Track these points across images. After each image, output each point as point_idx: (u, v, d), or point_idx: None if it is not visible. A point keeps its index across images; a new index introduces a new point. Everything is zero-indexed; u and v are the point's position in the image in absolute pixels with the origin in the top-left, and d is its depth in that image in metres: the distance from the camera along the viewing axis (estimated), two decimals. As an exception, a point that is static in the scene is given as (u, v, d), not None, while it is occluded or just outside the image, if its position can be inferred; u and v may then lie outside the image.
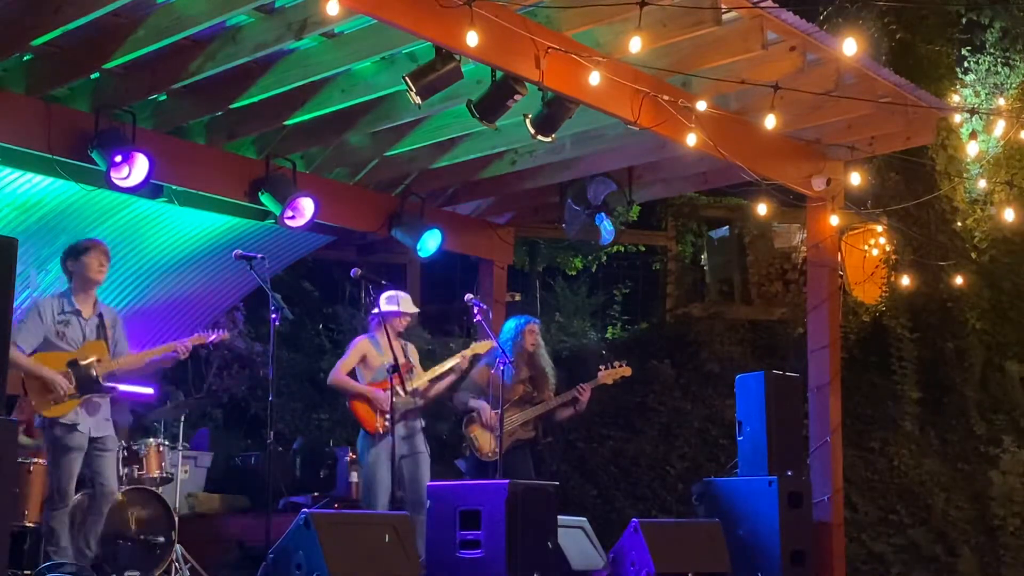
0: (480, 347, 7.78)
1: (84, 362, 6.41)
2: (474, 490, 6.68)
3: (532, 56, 6.25)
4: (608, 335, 13.41)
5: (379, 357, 7.51)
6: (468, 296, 7.70)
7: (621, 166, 8.86)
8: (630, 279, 14.20)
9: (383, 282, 7.55)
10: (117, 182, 7.10)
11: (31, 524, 6.69)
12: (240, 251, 6.76)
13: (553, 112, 6.92)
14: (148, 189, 7.47)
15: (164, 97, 7.48)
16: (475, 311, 7.58)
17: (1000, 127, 8.62)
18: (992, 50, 12.15)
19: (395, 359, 7.08)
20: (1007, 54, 12.09)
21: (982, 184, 11.92)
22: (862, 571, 10.09)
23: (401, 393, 7.29)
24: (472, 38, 5.77)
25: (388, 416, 7.21)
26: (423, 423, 7.69)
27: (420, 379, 7.61)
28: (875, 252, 11.70)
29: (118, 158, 6.99)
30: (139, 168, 7.09)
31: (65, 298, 6.50)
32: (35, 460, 6.88)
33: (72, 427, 6.33)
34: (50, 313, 6.40)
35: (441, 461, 8.28)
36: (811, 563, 7.69)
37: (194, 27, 6.27)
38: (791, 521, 7.55)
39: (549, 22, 6.43)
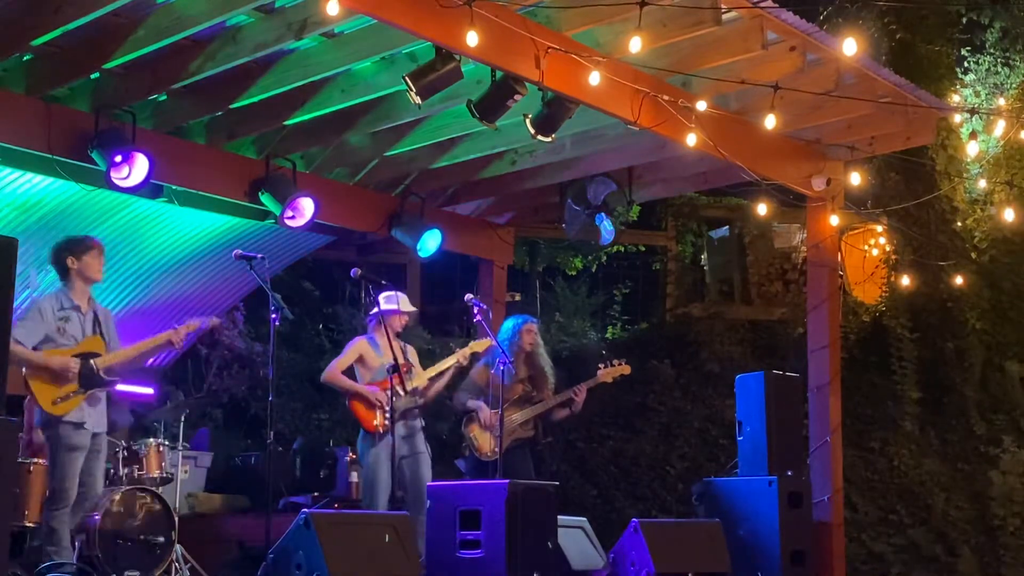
0: (479, 345, 7.78)
1: (87, 358, 6.43)
2: (474, 490, 6.68)
3: (532, 56, 6.25)
4: (608, 335, 13.41)
5: (378, 358, 7.51)
6: (468, 296, 7.70)
7: (621, 166, 8.86)
8: (630, 279, 14.20)
9: (383, 282, 7.55)
10: (117, 182, 7.11)
11: (31, 524, 6.69)
12: (240, 251, 6.75)
13: (553, 112, 6.92)
14: (148, 189, 7.47)
15: (164, 97, 7.48)
16: (475, 311, 7.58)
17: (1000, 127, 8.62)
18: (992, 50, 12.15)
19: (395, 359, 7.08)
20: (1007, 54, 12.09)
21: (982, 184, 11.92)
22: (862, 571, 10.09)
23: (401, 393, 7.29)
24: (472, 38, 5.78)
25: (388, 416, 7.21)
26: (423, 423, 7.69)
27: (419, 378, 7.61)
28: (875, 252, 11.70)
29: (118, 158, 7.00)
30: (139, 168, 7.10)
31: (63, 294, 6.50)
32: (35, 460, 6.87)
33: (79, 425, 6.36)
34: (50, 310, 6.41)
35: (441, 461, 8.28)
36: (811, 563, 7.69)
37: (194, 27, 6.28)
38: (791, 521, 7.55)
39: (549, 22, 6.43)
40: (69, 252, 6.54)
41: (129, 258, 8.89)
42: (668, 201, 13.16)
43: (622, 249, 13.53)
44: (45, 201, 7.84)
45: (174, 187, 7.88)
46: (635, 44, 6.00)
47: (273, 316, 6.53)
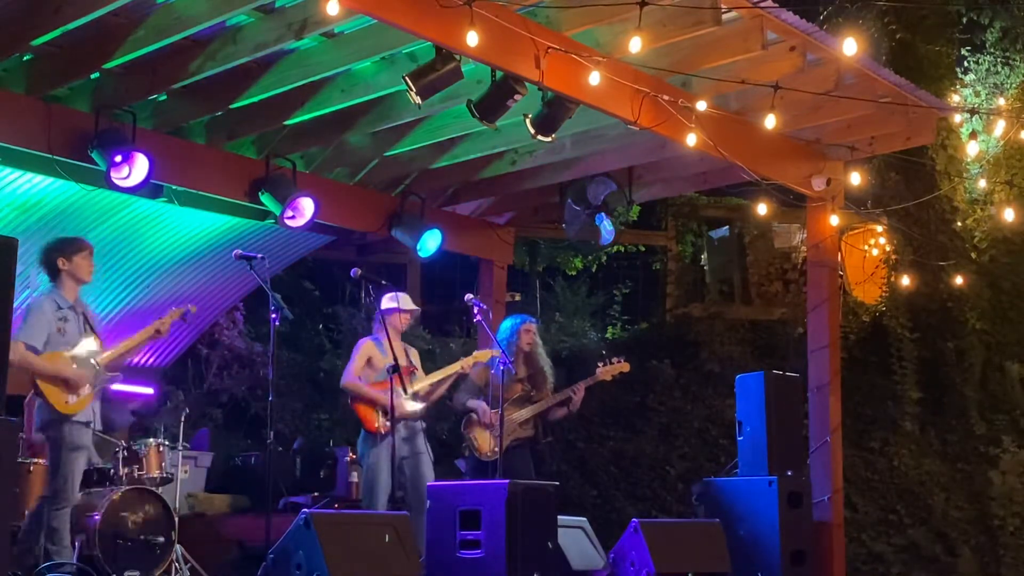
0: (482, 356, 7.76)
1: (87, 356, 6.45)
2: (474, 490, 6.68)
3: (532, 56, 6.25)
4: (608, 335, 13.40)
5: (383, 358, 7.51)
6: (468, 296, 7.70)
7: (621, 166, 8.86)
8: (630, 279, 14.19)
9: (383, 282, 7.55)
10: (117, 182, 7.11)
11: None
12: (240, 251, 6.76)
13: (553, 112, 6.92)
14: (148, 189, 7.47)
15: (164, 97, 7.48)
16: (475, 311, 7.58)
17: (1000, 127, 8.61)
18: (992, 50, 12.15)
19: (395, 359, 7.08)
20: (1007, 54, 12.08)
21: (982, 184, 11.92)
22: (862, 571, 10.09)
23: (402, 393, 7.29)
24: (472, 38, 5.77)
25: (389, 417, 7.22)
26: (424, 424, 7.69)
27: (422, 383, 7.61)
28: (875, 252, 11.70)
29: (118, 158, 7.00)
30: (139, 168, 7.10)
31: (57, 295, 6.51)
32: (35, 460, 6.88)
33: (87, 424, 6.40)
34: (50, 311, 6.42)
35: (441, 461, 8.28)
36: (811, 563, 7.69)
37: (194, 27, 6.28)
38: (791, 521, 7.55)
39: (549, 22, 6.43)
40: (60, 253, 6.54)
41: (129, 258, 8.89)
42: (668, 201, 13.16)
43: (622, 249, 13.54)
44: (45, 201, 7.84)
45: (174, 187, 7.88)
46: (635, 44, 6.00)
47: (273, 316, 6.54)
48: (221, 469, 9.46)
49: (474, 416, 7.87)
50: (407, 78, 6.37)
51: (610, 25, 6.43)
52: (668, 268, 13.69)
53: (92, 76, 7.14)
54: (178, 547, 6.94)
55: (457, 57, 6.25)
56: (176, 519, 6.95)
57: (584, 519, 7.86)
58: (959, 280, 10.68)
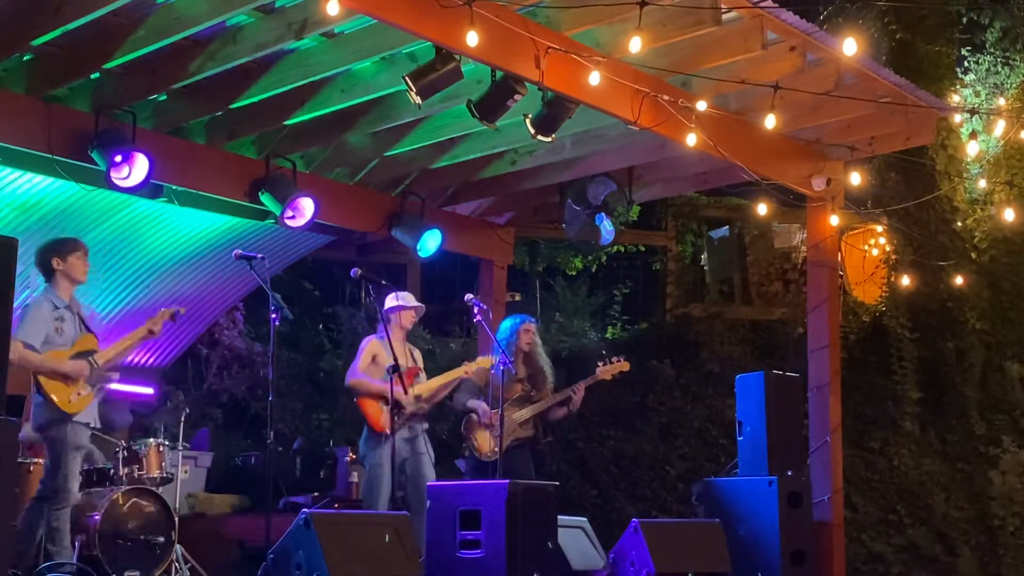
0: (485, 362, 7.73)
1: (85, 355, 6.46)
2: (474, 490, 6.68)
3: (532, 56, 6.25)
4: (608, 335, 13.40)
5: (388, 357, 7.52)
6: (468, 296, 7.70)
7: (621, 166, 8.86)
8: (630, 279, 14.19)
9: (383, 282, 7.55)
10: (117, 182, 7.11)
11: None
12: (240, 251, 6.77)
13: (553, 112, 6.92)
14: (148, 189, 7.47)
15: (164, 97, 7.48)
16: (475, 311, 7.59)
17: (1000, 127, 8.62)
18: (992, 50, 12.15)
19: (395, 359, 7.08)
20: (1007, 54, 12.08)
21: (982, 184, 11.92)
22: (862, 571, 10.09)
23: (402, 393, 7.29)
24: (472, 38, 5.77)
25: (395, 416, 7.23)
26: (426, 425, 7.70)
27: (425, 387, 7.61)
28: (875, 252, 11.70)
29: (118, 158, 7.00)
30: (139, 168, 7.10)
31: (53, 295, 6.52)
32: (35, 460, 6.88)
33: (86, 425, 6.43)
34: (48, 310, 6.43)
35: (441, 461, 8.28)
36: (811, 563, 7.69)
37: (194, 27, 6.27)
38: (791, 521, 7.55)
39: (549, 22, 6.43)
40: (55, 253, 6.56)
41: (129, 258, 8.89)
42: (668, 201, 13.16)
43: (622, 249, 13.53)
44: (45, 201, 7.84)
45: (174, 187, 7.88)
46: (635, 44, 6.00)
47: (273, 316, 6.54)
48: (221, 469, 9.45)
49: (474, 416, 7.87)
50: (407, 78, 6.37)
51: (610, 25, 6.43)
52: (668, 268, 13.69)
53: (92, 76, 7.14)
54: (178, 547, 6.94)
55: (457, 57, 6.25)
56: (176, 519, 6.95)
57: (584, 519, 7.86)
58: (959, 280, 10.69)
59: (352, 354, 7.89)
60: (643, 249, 13.98)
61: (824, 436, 8.15)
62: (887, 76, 7.58)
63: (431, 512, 6.71)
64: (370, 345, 7.63)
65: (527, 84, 6.53)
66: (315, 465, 9.37)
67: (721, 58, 6.91)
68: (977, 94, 12.01)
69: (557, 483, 6.89)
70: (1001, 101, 11.35)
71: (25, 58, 6.97)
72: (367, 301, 11.57)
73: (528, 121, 6.99)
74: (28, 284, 7.70)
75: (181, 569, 6.93)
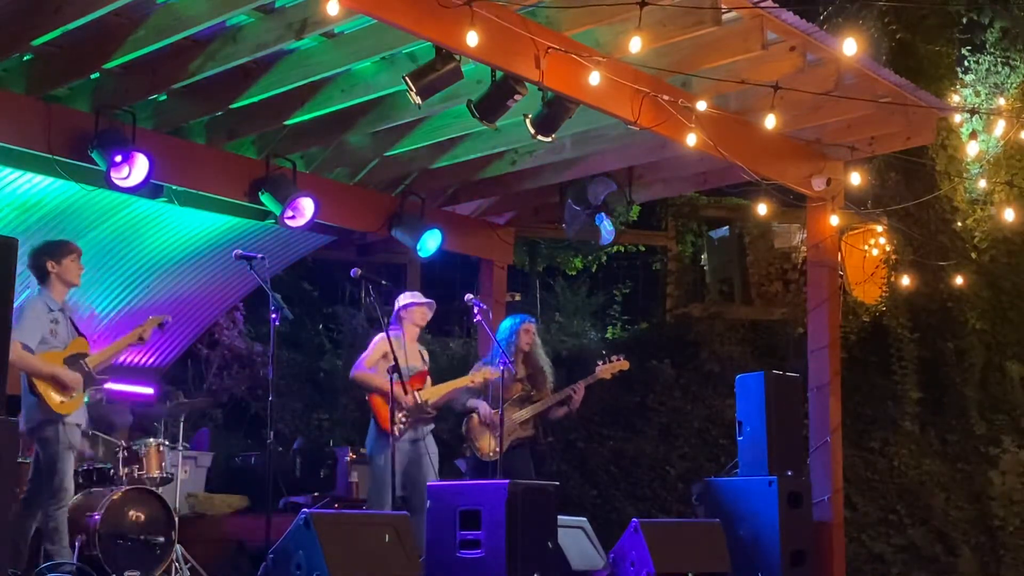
0: (491, 374, 7.70)
1: (77, 358, 6.49)
2: (474, 490, 6.68)
3: (532, 56, 6.25)
4: (608, 335, 13.40)
5: (403, 356, 7.52)
6: (468, 296, 7.70)
7: (621, 166, 8.86)
8: (630, 279, 14.19)
9: (383, 282, 7.54)
10: (117, 182, 7.11)
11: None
12: (240, 251, 6.77)
13: (553, 112, 6.92)
14: (148, 189, 7.47)
15: (164, 97, 7.48)
16: (475, 311, 7.59)
17: (1000, 127, 8.61)
18: (992, 50, 12.14)
19: (395, 360, 7.07)
20: (1007, 54, 12.08)
21: (982, 184, 11.91)
22: (862, 571, 10.09)
23: (402, 393, 7.29)
24: (472, 38, 5.77)
25: (403, 417, 7.25)
26: (432, 426, 7.70)
27: (432, 392, 7.61)
28: (875, 252, 11.69)
29: (118, 158, 7.00)
30: (139, 168, 7.10)
31: (47, 297, 6.53)
32: (25, 460, 6.88)
33: (77, 425, 6.45)
34: (43, 311, 6.43)
35: (441, 461, 8.28)
36: (811, 563, 7.69)
37: (194, 27, 6.28)
38: (791, 521, 7.55)
39: (549, 22, 6.43)
40: (49, 256, 6.57)
41: (129, 258, 8.89)
42: (668, 201, 13.16)
43: (622, 249, 13.53)
44: (45, 201, 7.84)
45: (174, 187, 7.88)
46: (635, 44, 6.00)
47: (273, 316, 6.54)
48: (221, 469, 9.45)
49: (475, 416, 7.87)
50: (407, 78, 6.37)
51: (610, 25, 6.43)
52: (668, 268, 13.68)
53: (92, 76, 7.14)
54: (178, 547, 6.94)
55: (457, 57, 6.25)
56: (176, 519, 6.95)
57: (584, 519, 7.86)
58: (959, 280, 10.68)
59: (351, 354, 7.88)
60: (643, 249, 13.98)
61: (824, 436, 8.15)
62: (887, 76, 7.58)
63: (431, 512, 6.71)
64: (383, 341, 7.58)
65: (527, 84, 6.54)
66: (315, 465, 9.36)
67: (721, 58, 6.91)
68: (977, 94, 12.00)
69: (557, 483, 6.90)
70: (1001, 101, 11.34)
71: (25, 58, 6.97)
72: (367, 301, 11.56)
73: (528, 121, 6.99)
74: (28, 284, 7.71)
75: (181, 569, 6.94)
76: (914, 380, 11.37)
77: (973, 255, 11.62)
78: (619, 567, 7.01)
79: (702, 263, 13.98)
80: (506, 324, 8.15)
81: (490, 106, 6.68)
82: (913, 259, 11.34)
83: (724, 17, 6.45)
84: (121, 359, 9.19)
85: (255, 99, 7.27)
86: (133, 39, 6.47)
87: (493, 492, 6.46)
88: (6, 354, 4.99)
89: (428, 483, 7.12)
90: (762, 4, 6.47)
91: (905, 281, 10.77)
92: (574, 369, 9.46)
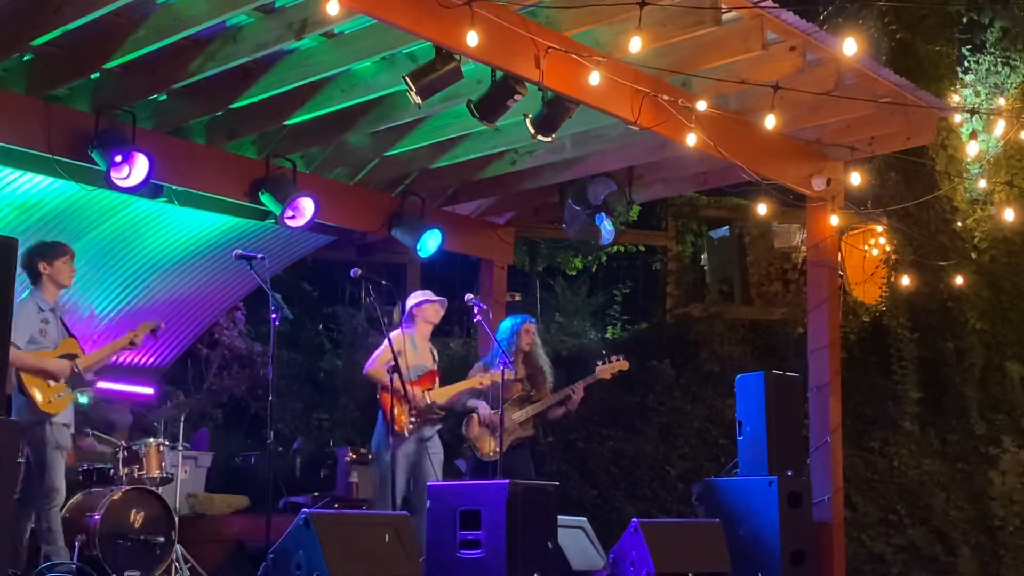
0: (498, 375, 7.71)
1: (67, 357, 6.49)
2: (474, 490, 6.68)
3: (532, 56, 6.25)
4: (608, 335, 13.40)
5: (414, 354, 7.52)
6: (468, 296, 7.70)
7: (621, 166, 8.86)
8: (630, 279, 14.18)
9: (383, 282, 7.54)
10: (117, 182, 7.11)
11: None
12: (240, 251, 6.77)
13: (553, 112, 6.92)
14: (148, 189, 7.47)
15: (164, 97, 7.48)
16: (475, 311, 7.59)
17: (1000, 127, 8.61)
18: (992, 50, 12.14)
19: (395, 360, 7.06)
20: (1007, 54, 12.08)
21: (982, 184, 11.91)
22: (862, 571, 10.09)
23: (417, 393, 7.32)
24: (472, 38, 5.78)
25: (412, 416, 7.27)
26: (440, 426, 7.70)
27: (441, 393, 7.61)
28: (875, 252, 11.69)
29: (118, 158, 7.00)
30: (139, 168, 7.10)
31: (39, 298, 6.54)
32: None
33: (66, 425, 6.47)
34: (34, 311, 6.44)
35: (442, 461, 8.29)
36: (811, 563, 7.69)
37: (194, 27, 6.28)
38: (791, 521, 7.55)
39: (549, 22, 6.43)
40: (41, 257, 6.58)
41: (129, 258, 8.89)
42: (668, 201, 13.15)
43: (622, 249, 13.53)
44: (45, 201, 7.84)
45: (174, 187, 7.88)
46: (635, 44, 6.00)
47: (273, 316, 6.54)
48: (221, 469, 9.45)
49: (474, 416, 7.87)
50: (407, 78, 6.37)
51: (610, 25, 6.43)
52: (668, 268, 13.68)
53: (92, 76, 7.14)
54: (178, 547, 6.94)
55: (457, 57, 6.25)
56: (176, 519, 6.95)
57: (584, 519, 7.85)
58: (959, 280, 10.68)
59: (351, 354, 7.88)
60: (643, 249, 13.97)
61: (824, 436, 8.15)
62: (887, 76, 7.58)
63: (431, 512, 6.71)
64: (396, 340, 7.59)
65: (527, 84, 6.54)
66: (315, 465, 9.36)
67: (721, 58, 6.91)
68: (977, 94, 12.00)
69: (557, 483, 6.89)
70: (1001, 101, 11.34)
71: (25, 58, 6.97)
72: (367, 301, 11.55)
73: (528, 121, 6.99)
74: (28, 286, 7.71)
75: (181, 569, 6.94)
76: (914, 380, 11.37)
77: (973, 255, 11.62)
78: (619, 567, 7.01)
79: (702, 263, 13.98)
80: (506, 324, 8.15)
81: (490, 106, 6.68)
82: (913, 259, 11.34)
83: (724, 17, 6.45)
84: (121, 359, 9.19)
85: (255, 99, 7.27)
86: (133, 39, 6.47)
87: (493, 492, 6.46)
88: (6, 354, 4.99)
89: (428, 483, 7.12)
90: (762, 4, 6.47)
91: (905, 281, 10.77)
92: (574, 369, 9.46)
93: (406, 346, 7.52)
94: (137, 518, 6.71)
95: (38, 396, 6.30)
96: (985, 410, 11.44)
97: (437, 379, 7.72)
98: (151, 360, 9.99)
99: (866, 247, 11.68)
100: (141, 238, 8.74)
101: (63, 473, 6.43)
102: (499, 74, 6.52)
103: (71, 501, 6.83)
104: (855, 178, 8.31)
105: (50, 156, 7.08)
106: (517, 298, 13.20)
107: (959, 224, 11.78)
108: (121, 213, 8.36)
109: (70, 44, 6.72)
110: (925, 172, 11.08)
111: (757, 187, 8.22)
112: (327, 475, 9.24)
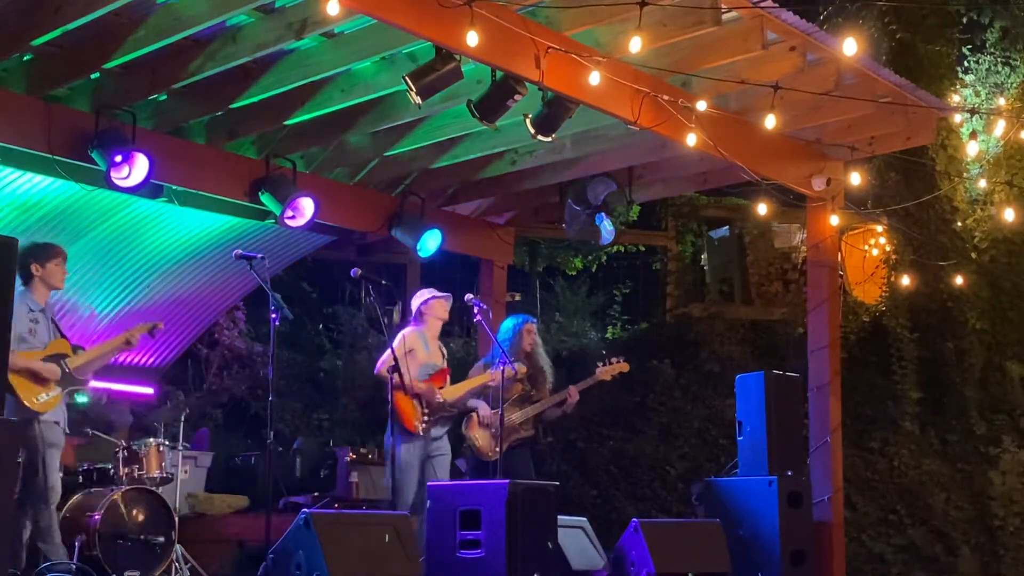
0: (511, 372, 7.68)
1: (57, 357, 6.49)
2: (474, 490, 6.68)
3: (532, 56, 6.25)
4: (608, 335, 13.40)
5: (427, 353, 7.51)
6: (468, 296, 7.71)
7: (621, 166, 8.86)
8: (630, 279, 14.18)
9: (383, 282, 7.54)
10: (117, 182, 7.11)
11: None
12: (240, 251, 6.77)
13: (553, 112, 6.92)
14: (148, 189, 7.47)
15: (164, 97, 7.48)
16: (475, 311, 7.59)
17: (1000, 127, 8.62)
18: (992, 50, 12.14)
19: (395, 359, 7.06)
20: (1007, 54, 12.07)
21: (982, 184, 11.91)
22: (862, 571, 10.09)
23: (432, 392, 7.32)
24: (472, 38, 5.78)
25: (425, 415, 7.27)
26: (449, 426, 7.71)
27: (451, 392, 7.60)
28: (875, 252, 11.69)
29: (118, 158, 7.00)
30: (139, 168, 7.10)
31: (29, 299, 6.53)
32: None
33: (56, 423, 6.46)
34: (24, 311, 6.44)
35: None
36: (811, 563, 7.69)
37: (194, 27, 6.28)
38: (791, 521, 7.55)
39: (549, 22, 6.43)
40: (34, 258, 6.57)
41: (129, 258, 8.89)
42: (668, 201, 13.15)
43: (622, 249, 13.53)
44: (45, 201, 7.84)
45: (174, 187, 7.89)
46: (635, 44, 6.00)
47: (273, 316, 6.54)
48: (221, 469, 9.45)
49: (474, 416, 7.87)
50: (407, 78, 6.37)
51: (610, 25, 6.43)
52: (668, 268, 13.68)
53: (92, 76, 7.14)
54: (178, 547, 6.94)
55: (457, 57, 6.25)
56: (176, 519, 6.96)
57: (584, 519, 7.86)
58: (959, 280, 10.68)
59: (351, 354, 7.88)
60: (643, 249, 13.97)
61: (824, 436, 8.15)
62: (887, 76, 7.58)
63: (431, 512, 6.71)
64: (408, 338, 7.58)
65: (527, 84, 6.54)
66: (315, 465, 9.37)
67: (721, 58, 6.91)
68: (977, 94, 12.00)
69: (557, 483, 6.89)
70: (1001, 101, 11.34)
71: (25, 58, 6.97)
72: (367, 301, 11.56)
73: (528, 121, 6.99)
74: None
75: (181, 569, 6.94)
76: (914, 380, 11.37)
77: (973, 255, 11.61)
78: (619, 567, 7.01)
79: (702, 263, 13.98)
80: (507, 324, 8.15)
81: (490, 106, 6.68)
82: (913, 259, 11.34)
83: (724, 17, 6.45)
84: (121, 359, 9.19)
85: (255, 99, 7.27)
86: (133, 39, 6.47)
87: (493, 492, 6.46)
88: (6, 354, 4.99)
89: (428, 483, 7.12)
90: (762, 4, 6.47)
91: (905, 281, 10.77)
92: (574, 369, 9.46)
93: (418, 344, 7.52)
94: (137, 518, 6.71)
95: (24, 394, 6.29)
96: (985, 410, 11.44)
97: (448, 377, 7.71)
98: (151, 360, 9.99)
99: (866, 247, 11.68)
100: (141, 238, 8.74)
101: (57, 471, 6.43)
102: (499, 74, 6.52)
103: (71, 501, 6.84)
104: (855, 178, 8.31)
105: (50, 156, 7.08)
106: (517, 298, 13.20)
107: (959, 224, 11.78)
108: (121, 213, 8.36)
109: (70, 44, 6.72)
110: (925, 172, 11.08)
111: (757, 187, 8.22)
112: (327, 475, 9.24)
